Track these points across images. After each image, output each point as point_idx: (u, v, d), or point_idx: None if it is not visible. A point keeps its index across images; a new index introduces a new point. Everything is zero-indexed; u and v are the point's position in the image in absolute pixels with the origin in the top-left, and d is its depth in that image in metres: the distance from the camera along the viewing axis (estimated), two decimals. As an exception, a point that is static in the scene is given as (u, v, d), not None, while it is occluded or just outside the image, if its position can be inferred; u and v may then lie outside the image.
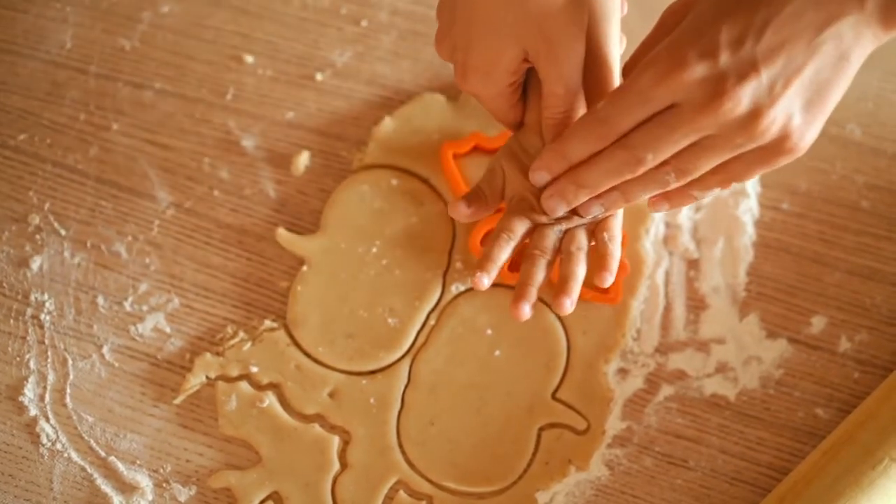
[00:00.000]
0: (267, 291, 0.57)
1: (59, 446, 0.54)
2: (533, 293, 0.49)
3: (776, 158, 0.44)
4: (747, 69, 0.42)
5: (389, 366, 0.56)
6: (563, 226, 0.50)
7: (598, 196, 0.48)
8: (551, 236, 0.50)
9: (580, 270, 0.49)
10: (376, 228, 0.57)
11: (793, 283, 0.57)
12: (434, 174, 0.59)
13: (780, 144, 0.43)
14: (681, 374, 0.56)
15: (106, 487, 0.54)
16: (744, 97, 0.42)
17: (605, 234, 0.49)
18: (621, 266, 0.56)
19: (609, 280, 0.49)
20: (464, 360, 0.56)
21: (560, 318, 0.56)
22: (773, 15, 0.42)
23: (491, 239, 0.50)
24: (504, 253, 0.50)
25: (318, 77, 0.62)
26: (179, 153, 0.60)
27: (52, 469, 0.54)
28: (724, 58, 0.42)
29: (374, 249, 0.57)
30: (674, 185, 0.46)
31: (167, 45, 0.62)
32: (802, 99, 0.43)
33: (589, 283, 0.56)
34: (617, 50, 0.50)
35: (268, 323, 0.56)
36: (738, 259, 0.57)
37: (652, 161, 0.45)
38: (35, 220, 0.59)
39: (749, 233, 0.58)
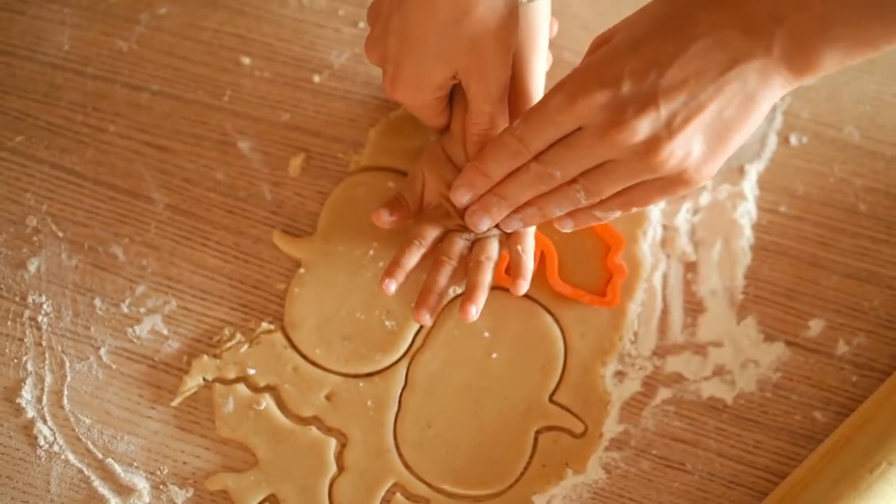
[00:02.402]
0: (264, 293, 0.57)
1: (56, 448, 0.54)
2: (433, 300, 0.52)
3: (674, 189, 0.46)
4: (647, 101, 0.43)
5: (386, 368, 0.56)
6: (473, 235, 0.53)
7: (517, 210, 0.50)
8: (460, 243, 0.53)
9: (486, 279, 0.52)
10: (373, 230, 0.57)
11: (790, 287, 0.57)
12: (431, 176, 0.58)
13: (678, 177, 0.45)
14: (678, 377, 0.56)
15: (103, 489, 0.54)
16: (641, 128, 0.43)
17: (518, 247, 0.52)
18: (619, 269, 0.56)
19: (524, 287, 0.52)
20: (461, 362, 0.55)
21: (557, 321, 0.56)
22: (679, 52, 0.42)
23: (401, 245, 0.53)
24: (413, 259, 0.53)
25: (316, 79, 0.62)
26: (176, 155, 0.60)
27: (50, 471, 0.54)
28: (626, 88, 0.43)
29: (371, 252, 0.57)
30: (585, 203, 0.48)
31: (164, 47, 0.62)
32: (703, 136, 0.44)
33: (586, 287, 0.56)
34: (541, 69, 0.52)
35: (265, 325, 0.56)
36: (736, 262, 0.57)
37: (561, 178, 0.47)
38: (32, 221, 0.59)
39: (747, 236, 0.58)
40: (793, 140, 0.60)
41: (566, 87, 0.44)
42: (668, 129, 0.43)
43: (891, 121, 0.60)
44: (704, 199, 0.58)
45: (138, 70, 0.62)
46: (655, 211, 0.58)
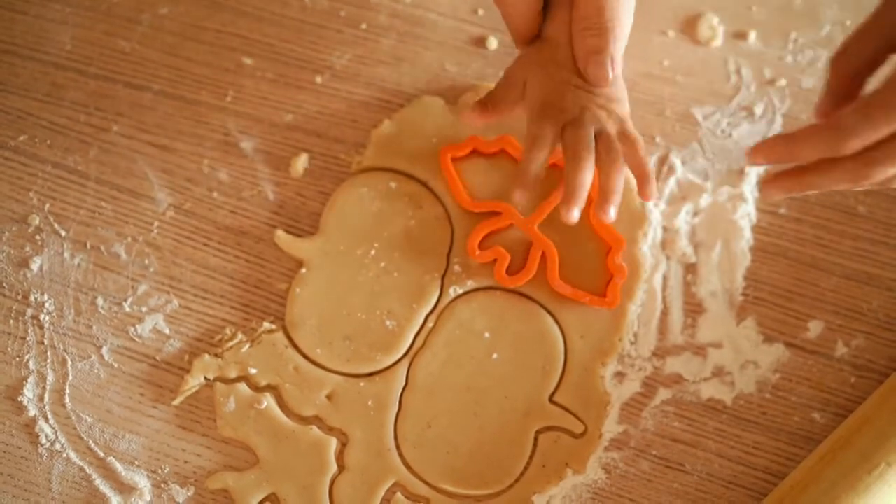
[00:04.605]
0: (265, 293, 0.58)
1: (57, 446, 0.55)
2: (583, 196, 0.52)
3: None
4: None
5: (387, 368, 0.56)
6: (594, 125, 0.53)
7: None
8: (586, 135, 0.53)
9: (621, 181, 0.53)
10: (375, 231, 0.58)
11: (790, 288, 0.57)
12: (433, 177, 0.59)
13: None
14: (678, 377, 0.56)
15: (104, 488, 0.54)
16: None
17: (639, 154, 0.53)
18: (619, 269, 0.56)
19: (653, 193, 0.53)
20: (461, 362, 0.56)
21: (558, 322, 0.56)
22: None
23: (524, 149, 0.53)
24: (540, 160, 0.53)
25: (318, 79, 0.62)
26: (179, 155, 0.60)
27: (51, 469, 0.54)
28: None
29: (373, 252, 0.57)
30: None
31: (166, 47, 0.62)
32: None
33: (587, 288, 0.56)
34: None
35: (266, 325, 0.57)
36: (736, 263, 0.57)
37: (874, 176, 0.45)
38: (35, 220, 0.59)
39: (746, 237, 0.58)
40: (793, 142, 0.60)
41: None
42: None
43: (890, 123, 0.60)
44: (704, 200, 0.59)
45: (141, 70, 0.62)
46: (656, 212, 0.58)
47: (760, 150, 0.48)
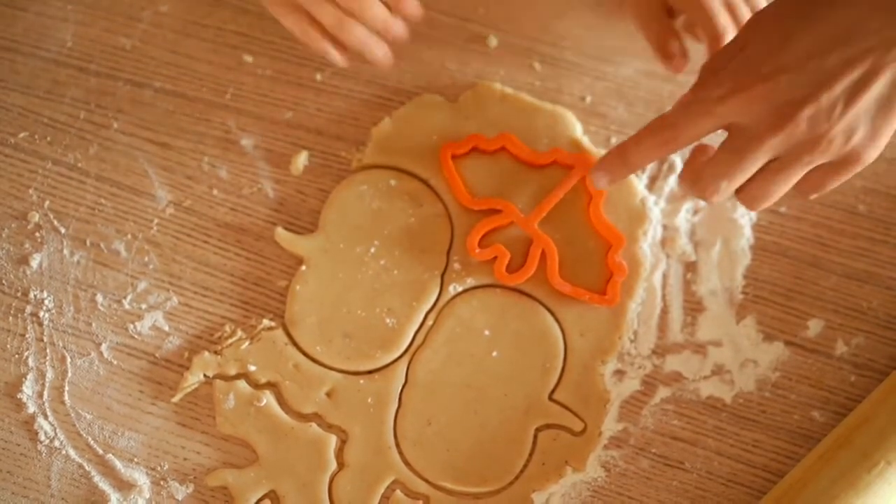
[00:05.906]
0: (265, 290, 0.58)
1: (57, 443, 0.55)
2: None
3: (845, 170, 0.47)
4: (808, 91, 0.44)
5: (387, 366, 0.56)
6: None
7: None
8: None
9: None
10: (375, 229, 0.58)
11: (790, 287, 0.57)
12: (433, 175, 0.59)
13: (846, 159, 0.47)
14: (677, 376, 0.56)
15: (103, 485, 0.54)
16: (802, 120, 0.44)
17: None
18: (619, 267, 0.56)
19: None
20: (461, 360, 0.56)
21: (558, 320, 0.56)
22: (838, 39, 0.44)
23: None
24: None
25: (318, 77, 0.62)
26: (179, 152, 0.60)
27: (50, 466, 0.54)
28: (786, 80, 0.44)
29: (373, 250, 0.57)
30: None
31: (167, 44, 0.62)
32: (867, 116, 0.45)
33: (587, 285, 0.56)
34: None
35: (266, 322, 0.57)
36: (736, 262, 0.58)
37: (727, 189, 0.48)
38: (35, 217, 0.59)
39: (746, 236, 0.58)
40: (793, 141, 0.60)
41: (726, 81, 0.46)
42: (829, 120, 0.44)
43: (890, 122, 0.60)
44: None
45: (141, 67, 0.62)
46: (656, 210, 0.58)
47: (598, 170, 0.53)
